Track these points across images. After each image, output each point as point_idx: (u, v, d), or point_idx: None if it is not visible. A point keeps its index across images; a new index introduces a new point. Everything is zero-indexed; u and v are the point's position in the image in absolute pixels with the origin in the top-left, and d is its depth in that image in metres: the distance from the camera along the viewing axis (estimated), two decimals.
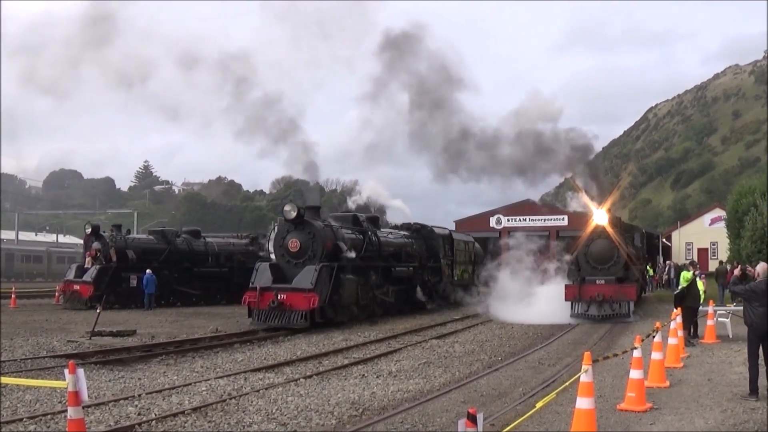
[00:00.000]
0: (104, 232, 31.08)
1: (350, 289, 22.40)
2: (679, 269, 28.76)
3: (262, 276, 21.35)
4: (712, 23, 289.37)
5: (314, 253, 21.87)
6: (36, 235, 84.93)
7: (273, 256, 22.81)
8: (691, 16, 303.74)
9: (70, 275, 29.98)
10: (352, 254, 23.09)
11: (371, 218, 27.34)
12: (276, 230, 23.20)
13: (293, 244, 22.03)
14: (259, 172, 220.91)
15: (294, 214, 22.07)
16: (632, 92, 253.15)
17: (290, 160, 24.70)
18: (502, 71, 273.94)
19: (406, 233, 29.37)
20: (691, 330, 17.03)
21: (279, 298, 20.50)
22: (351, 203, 30.16)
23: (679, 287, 17.28)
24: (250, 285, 21.23)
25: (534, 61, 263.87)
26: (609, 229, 24.42)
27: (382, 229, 27.86)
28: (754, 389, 10.06)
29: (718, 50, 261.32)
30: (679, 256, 57.04)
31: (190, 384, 11.76)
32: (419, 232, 30.18)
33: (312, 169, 24.92)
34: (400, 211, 31.57)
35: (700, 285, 18.20)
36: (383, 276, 25.64)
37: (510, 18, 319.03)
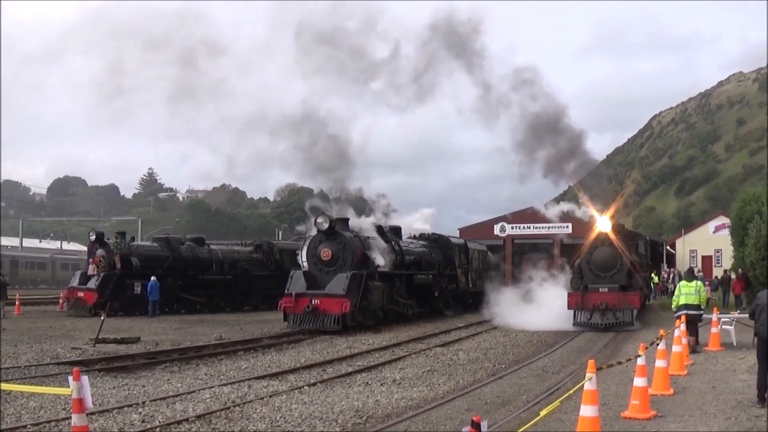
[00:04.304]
0: (108, 239, 31.15)
1: (377, 295, 23.61)
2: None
3: (297, 283, 22.70)
4: (733, 28, 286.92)
5: (345, 261, 23.18)
6: (40, 242, 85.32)
7: (305, 265, 23.79)
8: (714, 20, 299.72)
9: (74, 282, 30.07)
10: (382, 262, 24.25)
11: (394, 228, 28.52)
12: (309, 241, 24.39)
13: (325, 253, 23.36)
14: (263, 180, 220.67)
15: (326, 225, 23.43)
16: (651, 98, 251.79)
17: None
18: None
19: (424, 243, 30.40)
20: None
21: (313, 303, 21.93)
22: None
23: (692, 301, 16.48)
24: (286, 291, 22.45)
25: (559, 68, 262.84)
26: (612, 237, 24.34)
27: (403, 239, 28.83)
28: (761, 397, 10.05)
29: (738, 56, 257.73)
30: (683, 263, 56.87)
31: (194, 391, 11.77)
32: (437, 241, 31.30)
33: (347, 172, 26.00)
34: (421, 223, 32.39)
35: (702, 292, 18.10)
36: (405, 283, 26.64)
37: (538, 23, 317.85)
